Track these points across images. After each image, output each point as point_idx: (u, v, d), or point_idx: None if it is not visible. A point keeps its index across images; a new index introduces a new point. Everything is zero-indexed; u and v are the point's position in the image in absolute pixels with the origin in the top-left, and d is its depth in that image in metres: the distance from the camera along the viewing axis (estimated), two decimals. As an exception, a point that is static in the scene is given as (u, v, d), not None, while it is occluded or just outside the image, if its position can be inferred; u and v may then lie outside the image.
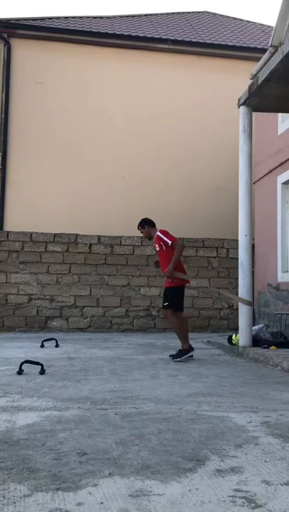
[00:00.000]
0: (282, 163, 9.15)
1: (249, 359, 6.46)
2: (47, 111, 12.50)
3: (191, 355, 6.25)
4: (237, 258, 7.53)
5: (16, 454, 2.41)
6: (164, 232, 6.40)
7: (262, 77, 6.49)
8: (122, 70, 12.88)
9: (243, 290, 7.12)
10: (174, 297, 6.31)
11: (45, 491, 1.97)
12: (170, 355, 6.36)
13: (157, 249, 6.52)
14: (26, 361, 5.06)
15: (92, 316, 11.10)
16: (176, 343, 8.37)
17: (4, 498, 1.90)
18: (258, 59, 8.30)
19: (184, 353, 6.17)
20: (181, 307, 6.38)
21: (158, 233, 6.42)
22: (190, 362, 6.05)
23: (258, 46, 13.24)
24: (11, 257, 10.97)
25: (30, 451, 2.47)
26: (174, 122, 12.92)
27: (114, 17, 14.99)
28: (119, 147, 12.65)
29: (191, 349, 6.25)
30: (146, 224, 6.56)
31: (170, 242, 6.25)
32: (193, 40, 13.23)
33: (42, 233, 11.12)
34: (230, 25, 15.51)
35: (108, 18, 14.75)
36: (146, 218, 6.65)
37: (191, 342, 6.46)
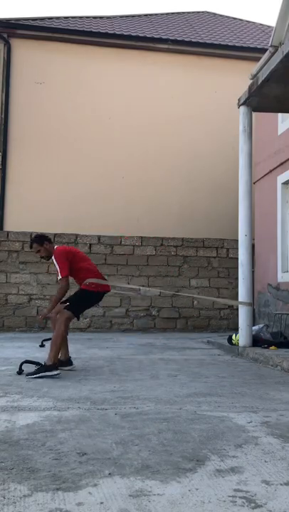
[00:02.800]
0: (282, 163, 9.15)
1: (249, 359, 6.46)
2: (47, 111, 12.50)
3: (57, 374, 4.83)
4: (237, 258, 7.53)
5: (16, 454, 2.41)
6: (59, 256, 5.26)
7: (262, 77, 6.49)
8: (122, 70, 12.87)
9: (243, 290, 7.12)
10: (77, 299, 5.32)
11: (45, 491, 1.97)
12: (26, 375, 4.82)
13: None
14: (26, 361, 5.05)
15: (92, 316, 11.09)
16: (176, 343, 8.38)
17: (4, 498, 1.89)
18: (258, 59, 8.30)
19: (45, 369, 4.82)
20: (76, 311, 5.31)
21: (53, 257, 5.30)
22: (190, 362, 6.05)
23: (258, 46, 13.24)
24: (11, 257, 10.97)
25: (30, 451, 2.47)
26: (174, 122, 12.92)
27: (114, 17, 14.99)
28: (119, 147, 12.65)
29: (55, 367, 4.86)
30: (35, 242, 5.41)
31: (59, 277, 5.18)
32: (193, 40, 13.22)
33: (42, 233, 11.11)
34: (230, 25, 15.51)
35: (108, 18, 14.75)
36: (38, 235, 5.61)
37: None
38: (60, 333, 5.05)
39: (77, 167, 12.46)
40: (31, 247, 5.48)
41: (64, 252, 5.33)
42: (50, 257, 5.38)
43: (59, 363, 5.06)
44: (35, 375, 4.71)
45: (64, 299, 5.34)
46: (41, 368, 4.80)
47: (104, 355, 6.68)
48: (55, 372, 4.78)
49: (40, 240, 5.42)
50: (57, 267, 5.21)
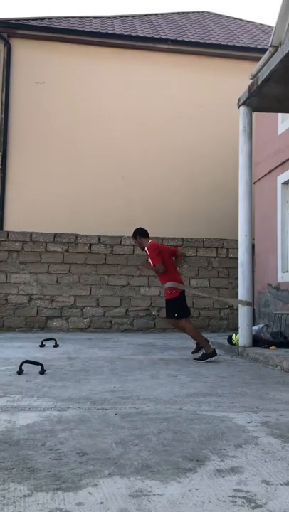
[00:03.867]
0: (282, 163, 9.15)
1: (249, 359, 6.46)
2: (47, 111, 12.50)
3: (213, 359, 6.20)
4: (237, 258, 7.53)
5: (16, 454, 2.41)
6: (151, 248, 6.38)
7: (262, 77, 6.49)
8: (122, 70, 12.88)
9: (243, 290, 7.11)
10: (178, 307, 6.36)
11: (45, 491, 1.97)
12: (192, 353, 6.54)
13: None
14: (26, 361, 5.06)
15: (92, 316, 11.10)
16: (175, 343, 8.38)
17: (4, 498, 1.89)
18: (258, 59, 8.30)
19: (206, 356, 6.14)
20: (186, 313, 6.48)
21: (146, 249, 6.46)
22: (190, 362, 6.06)
23: (258, 46, 13.24)
24: (11, 257, 10.97)
25: (30, 451, 2.47)
26: (174, 122, 12.92)
27: (114, 17, 14.99)
28: (119, 147, 12.65)
29: (214, 353, 6.21)
30: (137, 234, 6.57)
31: (152, 265, 6.38)
32: (193, 40, 13.23)
33: (42, 233, 11.12)
34: (230, 25, 15.51)
35: (108, 18, 14.75)
36: (139, 228, 6.65)
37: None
38: (192, 333, 6.36)
39: (77, 167, 12.46)
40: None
41: (156, 247, 6.41)
42: (144, 249, 6.55)
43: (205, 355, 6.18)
44: (202, 360, 6.06)
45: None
46: (204, 356, 6.14)
47: (105, 355, 6.68)
48: (214, 357, 6.15)
49: (135, 233, 6.56)
50: (149, 259, 6.40)
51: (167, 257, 6.40)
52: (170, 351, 7.22)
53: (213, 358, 6.12)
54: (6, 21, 12.42)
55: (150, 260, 6.36)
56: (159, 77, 13.00)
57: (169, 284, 6.30)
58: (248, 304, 7.07)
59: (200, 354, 6.28)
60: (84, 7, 51.72)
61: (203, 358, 6.13)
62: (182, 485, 2.03)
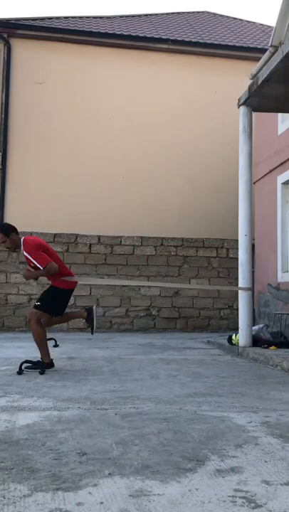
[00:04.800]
0: (282, 163, 9.15)
1: (249, 359, 6.46)
2: (47, 111, 12.50)
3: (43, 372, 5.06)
4: (237, 258, 7.53)
5: (16, 454, 2.41)
6: (31, 250, 5.10)
7: (262, 77, 6.49)
8: (122, 70, 12.87)
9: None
10: (50, 299, 5.30)
11: (45, 491, 1.97)
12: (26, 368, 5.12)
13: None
14: (26, 361, 5.06)
15: (92, 316, 11.09)
16: (176, 343, 8.38)
17: (4, 498, 1.89)
18: (258, 59, 8.29)
19: (45, 366, 5.14)
20: (56, 311, 5.37)
21: (23, 251, 5.17)
22: (190, 362, 6.05)
23: (258, 46, 13.24)
24: (11, 257, 10.97)
25: (30, 451, 2.47)
26: (174, 122, 12.92)
27: (114, 17, 14.99)
28: (119, 147, 12.65)
29: (52, 365, 5.23)
30: (1, 231, 5.18)
31: (41, 268, 5.10)
32: (193, 40, 13.22)
33: (42, 233, 11.12)
34: (230, 25, 15.50)
35: (108, 18, 14.74)
36: (5, 224, 5.47)
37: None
38: (37, 334, 5.22)
39: (77, 167, 12.46)
40: None
41: (37, 244, 5.17)
42: (16, 249, 5.28)
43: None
44: (34, 370, 5.03)
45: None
46: (40, 364, 5.12)
47: (105, 355, 6.68)
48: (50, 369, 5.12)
49: (7, 229, 5.18)
50: (35, 263, 5.07)
51: (52, 252, 5.36)
52: (170, 351, 7.22)
53: (44, 370, 5.05)
54: (6, 21, 12.42)
55: (34, 261, 5.11)
56: (159, 77, 12.99)
57: (65, 278, 5.32)
58: (247, 289, 7.05)
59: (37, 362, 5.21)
60: (84, 7, 51.70)
61: (35, 366, 5.10)
62: (182, 485, 2.03)
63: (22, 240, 5.18)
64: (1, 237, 5.15)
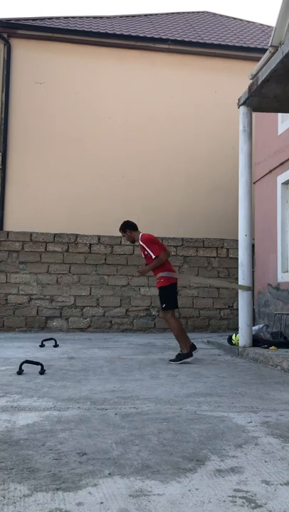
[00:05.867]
0: (282, 163, 9.15)
1: (249, 359, 6.46)
2: (47, 111, 12.50)
3: (190, 360, 6.03)
4: (237, 258, 7.53)
5: (16, 454, 2.41)
6: (147, 241, 6.17)
7: (262, 77, 6.49)
8: (122, 70, 12.88)
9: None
10: (167, 297, 6.15)
11: (45, 491, 1.96)
12: (170, 360, 6.11)
13: (143, 256, 6.40)
14: (26, 361, 5.06)
15: (92, 316, 11.10)
16: (176, 343, 8.37)
17: (4, 498, 1.89)
18: (258, 59, 8.31)
19: (182, 357, 6.01)
20: (175, 304, 6.23)
21: (140, 242, 6.22)
22: (190, 362, 6.05)
23: (258, 46, 13.24)
24: (11, 257, 10.97)
25: (30, 451, 2.47)
26: (174, 122, 12.92)
27: (114, 17, 14.99)
28: (119, 147, 12.65)
29: (190, 354, 6.05)
30: (127, 228, 6.37)
31: (153, 256, 6.09)
32: (193, 40, 13.22)
33: (42, 233, 11.12)
34: (230, 25, 15.51)
35: (108, 18, 14.75)
36: (127, 221, 6.48)
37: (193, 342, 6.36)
38: (176, 329, 6.15)
39: (77, 167, 12.46)
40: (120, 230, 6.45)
41: (152, 240, 6.25)
42: (134, 242, 6.44)
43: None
44: (177, 362, 5.92)
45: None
46: (180, 356, 6.01)
47: (105, 355, 6.68)
48: (190, 359, 6.02)
49: (124, 226, 6.42)
50: (149, 252, 6.12)
51: (162, 249, 6.28)
52: (170, 351, 7.21)
53: (189, 359, 5.97)
54: (6, 21, 12.42)
55: (150, 252, 6.08)
56: (159, 77, 13.00)
57: (161, 274, 6.14)
58: (248, 288, 7.04)
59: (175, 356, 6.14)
60: (84, 7, 51.73)
61: (177, 358, 5.98)
62: (182, 485, 2.03)
63: (140, 234, 6.32)
64: (122, 233, 6.44)
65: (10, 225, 11.96)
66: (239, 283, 7.19)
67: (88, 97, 12.70)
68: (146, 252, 6.19)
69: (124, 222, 6.49)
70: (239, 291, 7.18)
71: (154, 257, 6.07)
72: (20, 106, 12.41)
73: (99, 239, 11.29)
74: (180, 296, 11.39)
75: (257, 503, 1.86)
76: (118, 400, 3.70)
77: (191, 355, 6.03)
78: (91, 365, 5.59)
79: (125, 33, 12.98)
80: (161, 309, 6.28)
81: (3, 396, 3.80)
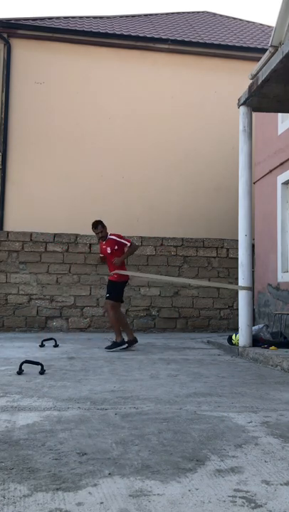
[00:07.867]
0: (282, 163, 9.15)
1: (249, 359, 6.46)
2: (47, 111, 12.50)
3: (125, 347, 7.14)
4: (237, 258, 7.53)
5: (16, 454, 2.41)
6: (119, 236, 7.37)
7: (262, 77, 6.49)
8: (122, 70, 12.88)
9: (242, 290, 7.11)
10: (115, 289, 7.21)
11: (45, 491, 1.96)
12: (105, 348, 7.13)
13: (109, 252, 7.33)
14: (26, 361, 5.05)
15: (92, 316, 11.10)
16: (176, 343, 8.39)
17: (4, 498, 1.89)
18: (258, 59, 8.31)
19: (116, 345, 7.05)
20: (120, 298, 7.32)
21: (112, 237, 7.34)
22: (190, 362, 6.05)
23: (258, 46, 13.24)
24: (11, 257, 10.97)
25: (30, 451, 2.47)
26: (174, 122, 12.92)
27: (114, 17, 14.99)
28: (119, 147, 12.65)
29: (123, 342, 7.10)
30: (100, 224, 7.42)
31: (128, 244, 7.29)
32: (193, 40, 13.22)
33: (42, 233, 11.12)
34: (230, 25, 15.51)
35: (108, 18, 14.75)
36: (100, 220, 7.49)
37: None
38: (112, 319, 7.17)
39: (77, 167, 12.46)
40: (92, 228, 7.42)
41: (120, 234, 7.54)
42: (104, 239, 7.38)
43: (128, 343, 7.18)
44: (112, 349, 6.93)
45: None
46: (113, 344, 7.02)
47: (105, 355, 6.68)
48: (123, 346, 7.08)
49: (97, 223, 7.43)
50: (124, 241, 7.31)
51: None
52: (170, 351, 7.22)
53: (123, 346, 7.05)
54: (6, 21, 12.42)
55: (124, 241, 7.28)
56: (158, 77, 12.99)
57: (118, 271, 7.16)
58: (248, 288, 7.04)
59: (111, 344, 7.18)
60: (84, 7, 51.72)
61: (111, 346, 7.01)
62: (182, 485, 2.03)
63: (109, 232, 7.45)
64: (95, 230, 7.39)
65: (10, 225, 11.96)
66: (239, 283, 7.19)
67: (88, 97, 12.70)
68: (115, 248, 7.22)
69: (97, 220, 7.49)
70: (239, 291, 7.18)
71: (128, 244, 7.26)
72: (20, 106, 12.41)
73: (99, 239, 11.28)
74: (180, 296, 11.41)
75: (257, 503, 1.86)
76: (118, 399, 3.70)
77: (124, 345, 7.08)
78: (91, 365, 5.59)
79: (125, 33, 12.98)
80: (106, 298, 7.32)
81: (3, 396, 3.80)
